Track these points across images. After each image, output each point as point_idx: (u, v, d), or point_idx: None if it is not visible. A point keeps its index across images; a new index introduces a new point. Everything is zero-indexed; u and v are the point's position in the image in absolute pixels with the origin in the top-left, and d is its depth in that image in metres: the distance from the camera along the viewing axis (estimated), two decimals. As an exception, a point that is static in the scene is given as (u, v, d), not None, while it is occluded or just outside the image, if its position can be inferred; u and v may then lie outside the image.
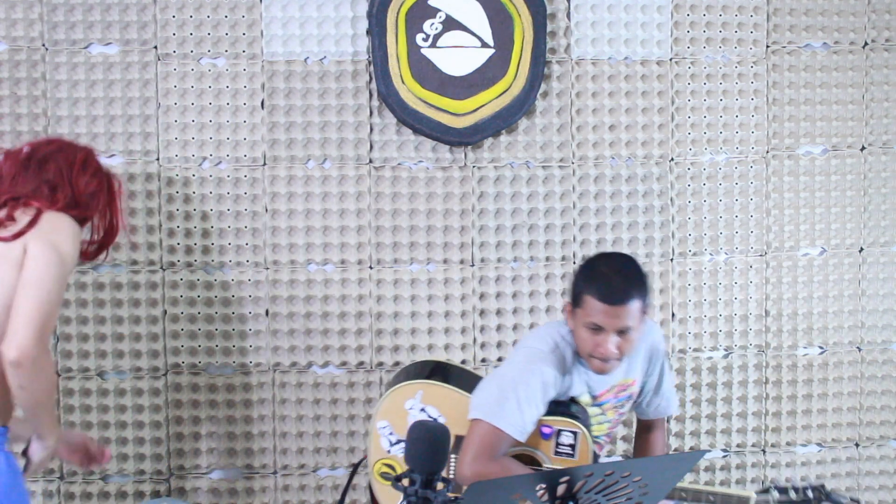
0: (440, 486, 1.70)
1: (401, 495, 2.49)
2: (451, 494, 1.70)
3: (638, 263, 2.41)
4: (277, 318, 3.03)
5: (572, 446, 2.38)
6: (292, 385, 3.05)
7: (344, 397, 3.05)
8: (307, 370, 3.06)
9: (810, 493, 2.34)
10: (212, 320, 3.01)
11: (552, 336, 2.45)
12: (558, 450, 2.39)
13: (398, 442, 2.51)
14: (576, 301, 2.36)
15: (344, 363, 3.06)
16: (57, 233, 2.22)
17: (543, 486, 1.79)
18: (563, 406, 2.42)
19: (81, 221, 2.36)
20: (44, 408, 2.18)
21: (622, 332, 2.31)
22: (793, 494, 2.35)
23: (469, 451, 2.31)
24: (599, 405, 2.49)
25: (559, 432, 2.39)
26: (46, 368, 2.12)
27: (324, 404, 3.06)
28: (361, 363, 3.06)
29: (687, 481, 2.63)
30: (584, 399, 2.46)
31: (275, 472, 3.07)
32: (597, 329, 2.31)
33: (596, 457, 2.44)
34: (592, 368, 2.39)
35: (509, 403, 2.31)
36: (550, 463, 2.41)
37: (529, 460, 2.43)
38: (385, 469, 2.53)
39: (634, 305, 2.30)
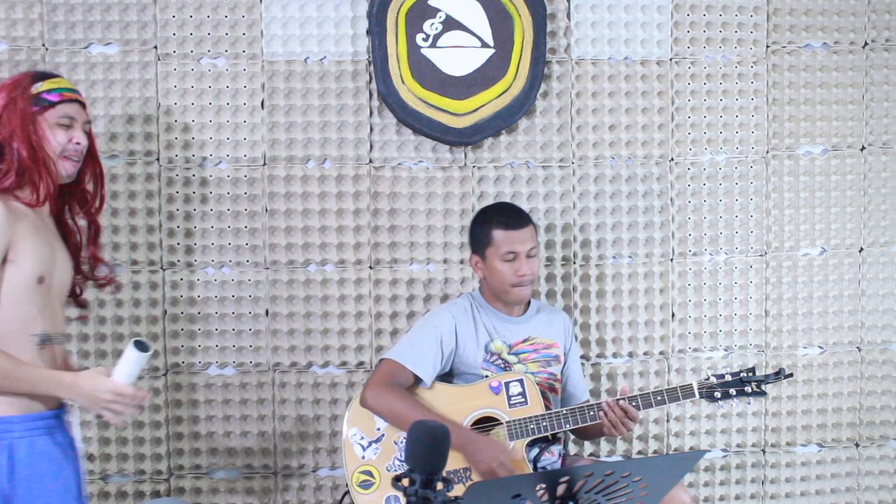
0: (440, 485, 1.70)
1: (382, 502, 2.54)
2: (450, 494, 1.69)
3: None
4: (277, 318, 3.03)
5: (522, 394, 2.61)
6: (292, 385, 3.05)
7: (344, 397, 3.05)
8: (307, 370, 3.06)
9: (742, 374, 2.58)
10: (212, 320, 3.01)
11: (451, 300, 2.89)
12: (511, 401, 2.61)
13: (370, 444, 2.62)
14: (485, 244, 2.70)
15: (344, 363, 3.06)
16: None
17: (543, 486, 1.79)
18: (499, 367, 2.71)
19: (17, 186, 2.14)
20: (8, 387, 2.07)
21: (530, 256, 2.68)
22: (728, 378, 2.59)
23: (370, 381, 2.64)
24: (516, 354, 2.72)
25: (507, 385, 2.62)
26: None
27: (324, 404, 3.06)
28: (361, 363, 3.06)
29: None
30: (498, 345, 2.71)
31: (275, 473, 3.07)
32: (512, 257, 2.65)
33: (545, 397, 2.65)
34: (512, 299, 2.71)
35: (404, 342, 2.69)
36: (509, 417, 2.59)
37: (490, 420, 2.60)
38: (363, 477, 2.60)
39: (531, 230, 2.71)
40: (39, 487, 2.09)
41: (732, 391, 2.57)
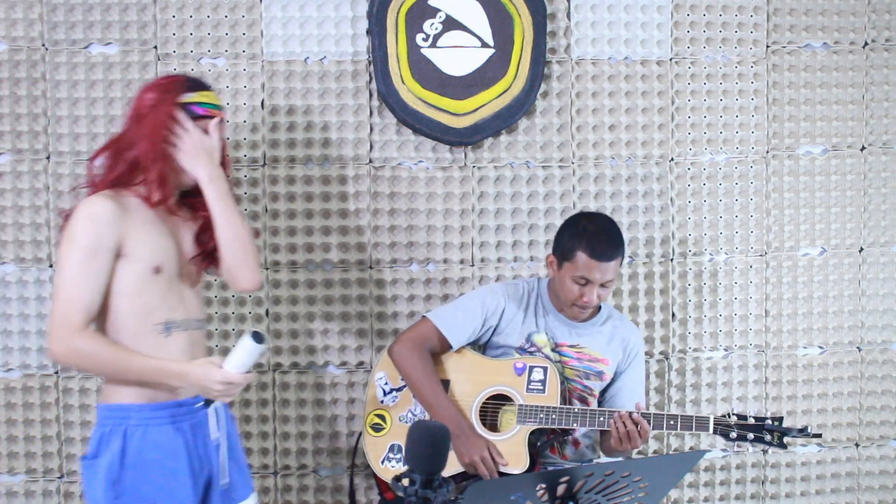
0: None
1: (386, 447, 2.63)
2: (451, 495, 1.69)
3: (616, 224, 2.71)
4: (278, 318, 3.03)
5: (542, 382, 2.60)
6: (292, 385, 3.05)
7: (344, 397, 3.05)
8: (307, 370, 3.06)
9: (767, 421, 2.47)
10: (212, 320, 3.01)
11: (517, 280, 2.88)
12: (530, 386, 2.61)
13: (391, 391, 2.71)
14: (565, 257, 2.61)
15: (344, 363, 3.06)
16: (70, 223, 2.17)
17: (543, 486, 1.80)
18: (534, 352, 2.70)
19: (128, 181, 2.23)
20: (121, 375, 2.16)
21: (604, 285, 2.60)
22: (751, 420, 2.48)
23: (404, 335, 2.71)
24: (559, 353, 2.70)
25: (531, 369, 2.61)
26: (83, 349, 2.10)
27: (324, 404, 3.06)
28: (361, 363, 3.06)
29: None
30: (542, 339, 2.69)
31: (275, 473, 3.07)
32: (584, 282, 2.59)
33: (565, 397, 2.62)
34: (570, 315, 2.68)
35: (449, 308, 2.74)
36: (523, 400, 2.60)
37: (504, 398, 2.63)
38: (376, 420, 2.69)
39: (617, 261, 2.62)
40: (146, 476, 2.15)
41: (750, 435, 2.45)
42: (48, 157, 2.95)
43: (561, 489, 1.80)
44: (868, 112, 3.18)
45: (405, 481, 1.69)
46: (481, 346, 2.77)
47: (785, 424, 2.47)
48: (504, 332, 2.71)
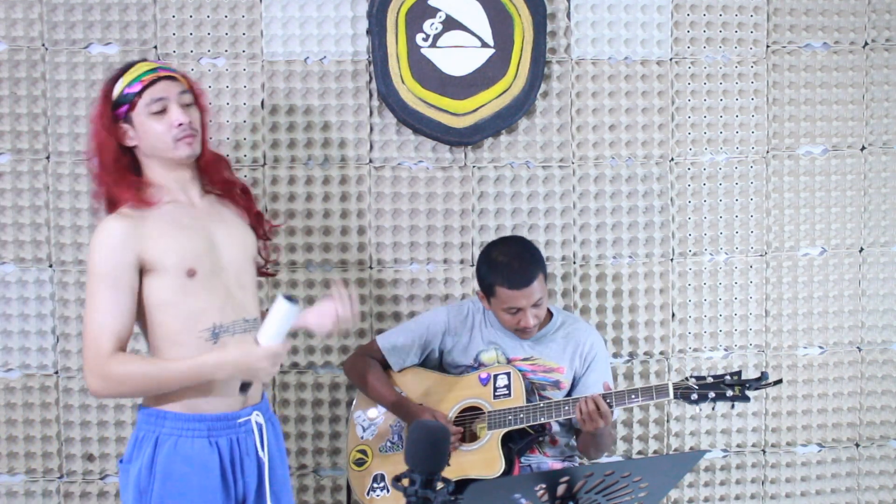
0: (440, 485, 1.70)
1: (370, 478, 2.65)
2: (450, 495, 1.69)
3: (529, 241, 2.79)
4: (277, 318, 3.03)
5: (507, 386, 2.64)
6: (292, 385, 3.05)
7: (344, 397, 3.05)
8: (307, 370, 3.06)
9: (726, 377, 2.47)
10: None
11: (462, 301, 2.94)
12: (497, 393, 2.66)
13: (370, 426, 2.76)
14: (489, 293, 2.66)
15: (344, 363, 3.06)
16: (89, 251, 2.10)
17: (543, 486, 1.80)
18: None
19: (115, 199, 2.13)
20: (166, 388, 2.06)
21: (536, 304, 2.63)
22: (709, 379, 2.47)
23: (354, 351, 2.90)
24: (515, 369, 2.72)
25: (495, 377, 2.67)
26: (116, 373, 2.01)
27: (324, 404, 3.06)
28: (361, 363, 3.06)
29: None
30: (490, 357, 2.73)
31: (275, 472, 3.06)
32: (516, 311, 2.62)
33: (530, 394, 2.65)
34: (519, 336, 2.72)
35: (395, 329, 2.85)
36: (492, 407, 2.64)
37: (474, 409, 2.67)
38: (358, 455, 2.74)
39: (539, 281, 2.62)
40: (173, 490, 2.06)
41: (711, 394, 2.43)
42: (48, 157, 2.95)
43: (561, 489, 1.80)
44: (868, 112, 3.18)
45: (405, 481, 1.69)
46: (439, 368, 2.82)
47: (744, 378, 2.46)
48: (453, 352, 2.77)
